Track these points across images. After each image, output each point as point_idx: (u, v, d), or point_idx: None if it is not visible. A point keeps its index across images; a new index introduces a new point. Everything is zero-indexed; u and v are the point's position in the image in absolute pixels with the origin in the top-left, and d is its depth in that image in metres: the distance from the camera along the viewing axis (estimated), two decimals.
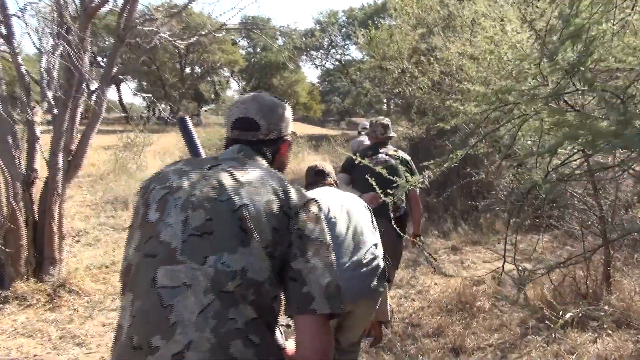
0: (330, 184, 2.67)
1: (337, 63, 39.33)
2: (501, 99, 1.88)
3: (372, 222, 2.48)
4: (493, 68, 4.59)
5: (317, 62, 42.30)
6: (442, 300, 4.32)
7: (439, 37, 5.99)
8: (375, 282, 2.27)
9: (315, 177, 2.70)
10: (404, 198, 3.78)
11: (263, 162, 1.33)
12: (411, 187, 2.61)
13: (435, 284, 4.88)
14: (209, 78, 43.41)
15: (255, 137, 1.36)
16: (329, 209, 2.35)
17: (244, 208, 1.15)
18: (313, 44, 37.19)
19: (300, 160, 15.48)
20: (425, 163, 2.41)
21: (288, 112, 1.44)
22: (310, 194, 1.28)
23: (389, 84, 7.86)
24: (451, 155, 1.89)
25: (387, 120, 4.03)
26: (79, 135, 4.46)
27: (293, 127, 1.49)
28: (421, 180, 2.17)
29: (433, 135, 8.74)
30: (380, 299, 2.39)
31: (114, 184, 8.73)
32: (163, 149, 15.29)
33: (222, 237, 1.13)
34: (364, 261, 2.26)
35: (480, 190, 7.64)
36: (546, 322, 3.86)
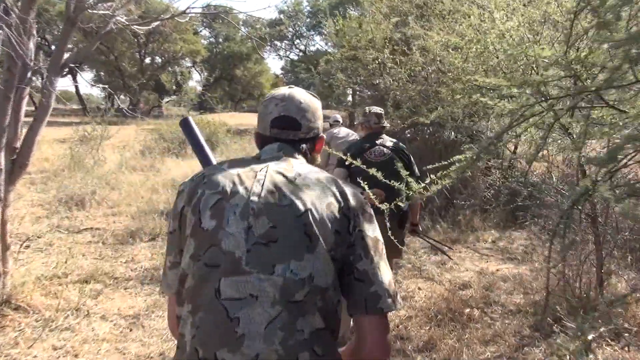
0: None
1: (301, 54, 38.77)
2: (542, 93, 1.56)
3: None
4: (481, 58, 4.29)
5: (282, 52, 41.64)
6: (430, 309, 4.02)
7: (416, 26, 5.65)
8: None
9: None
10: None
11: (304, 160, 1.32)
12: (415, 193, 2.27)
13: (419, 288, 4.58)
14: (170, 69, 42.20)
15: (296, 137, 1.34)
16: None
17: (307, 213, 1.13)
18: (277, 34, 36.51)
19: None
20: (430, 167, 2.04)
21: (320, 109, 1.42)
22: None
23: (363, 75, 7.51)
24: (473, 158, 1.55)
25: (380, 110, 3.89)
26: (24, 131, 3.93)
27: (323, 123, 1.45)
28: (430, 187, 1.82)
29: (406, 126, 8.45)
30: None
31: (69, 181, 8.09)
32: (122, 142, 14.59)
33: (288, 244, 1.12)
34: None
35: (456, 186, 7.42)
36: (541, 331, 3.67)
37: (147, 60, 41.82)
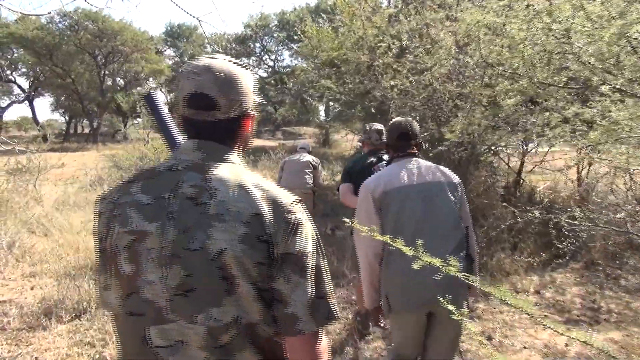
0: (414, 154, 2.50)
1: (270, 70, 37.38)
2: None
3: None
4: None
5: (250, 69, 40.23)
6: None
7: (427, 13, 4.20)
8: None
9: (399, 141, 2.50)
10: None
11: (228, 158, 1.18)
12: None
13: None
14: (132, 90, 40.23)
15: (214, 117, 1.17)
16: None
17: (221, 255, 1.06)
18: (244, 51, 35.08)
19: None
20: None
21: (250, 82, 1.22)
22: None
23: (351, 82, 6.02)
24: None
25: (380, 126, 3.79)
26: None
27: (255, 98, 1.24)
28: None
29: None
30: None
31: None
32: (78, 171, 12.76)
33: (205, 291, 1.07)
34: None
35: (473, 215, 6.00)
36: None
37: (109, 82, 39.84)
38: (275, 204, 1.12)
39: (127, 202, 1.14)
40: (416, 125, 2.60)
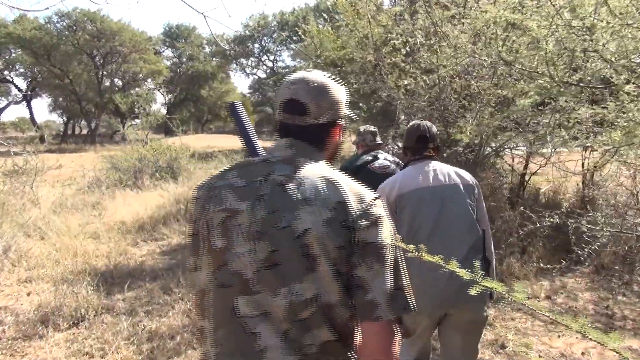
0: (432, 157, 2.47)
1: (269, 71, 37.23)
2: None
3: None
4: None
5: (248, 70, 40.07)
6: None
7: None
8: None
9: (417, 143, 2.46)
10: None
11: (316, 157, 1.28)
12: None
13: None
14: (131, 91, 40.02)
15: (305, 122, 1.29)
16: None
17: (306, 234, 1.14)
18: (243, 51, 34.92)
19: None
20: None
21: (341, 94, 1.34)
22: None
23: (355, 82, 5.88)
24: None
25: (374, 128, 3.79)
26: None
27: (345, 110, 1.35)
28: None
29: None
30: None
31: None
32: (75, 172, 12.57)
33: (289, 267, 1.14)
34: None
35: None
36: None
37: (107, 83, 39.67)
38: (359, 197, 1.19)
39: (223, 185, 1.25)
40: (435, 128, 2.57)
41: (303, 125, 1.28)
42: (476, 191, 2.42)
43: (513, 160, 7.42)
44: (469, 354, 2.46)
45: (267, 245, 1.15)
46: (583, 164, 6.64)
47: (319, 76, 1.31)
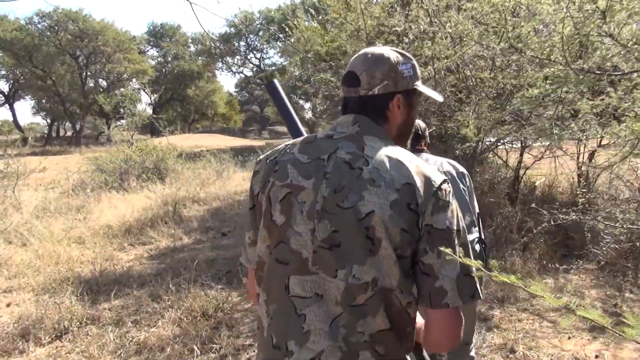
0: (422, 150, 2.59)
1: (256, 69, 36.88)
2: None
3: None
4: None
5: (234, 68, 39.67)
6: None
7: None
8: None
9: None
10: None
11: (381, 135, 1.22)
12: None
13: None
14: (115, 91, 39.43)
15: (357, 94, 1.25)
16: None
17: (370, 216, 1.10)
18: (229, 50, 34.54)
19: (226, 180, 13.04)
20: None
21: (405, 67, 1.25)
22: None
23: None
24: None
25: None
26: None
27: (411, 86, 1.26)
28: None
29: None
30: None
31: None
32: (60, 174, 12.21)
33: (350, 248, 1.11)
34: None
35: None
36: None
37: (91, 83, 39.07)
38: (426, 178, 1.14)
39: (287, 160, 1.22)
40: (423, 124, 2.72)
41: (357, 97, 1.24)
42: (467, 179, 2.55)
43: (507, 155, 7.28)
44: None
45: (328, 224, 1.12)
46: (578, 157, 6.53)
47: (381, 49, 1.27)
